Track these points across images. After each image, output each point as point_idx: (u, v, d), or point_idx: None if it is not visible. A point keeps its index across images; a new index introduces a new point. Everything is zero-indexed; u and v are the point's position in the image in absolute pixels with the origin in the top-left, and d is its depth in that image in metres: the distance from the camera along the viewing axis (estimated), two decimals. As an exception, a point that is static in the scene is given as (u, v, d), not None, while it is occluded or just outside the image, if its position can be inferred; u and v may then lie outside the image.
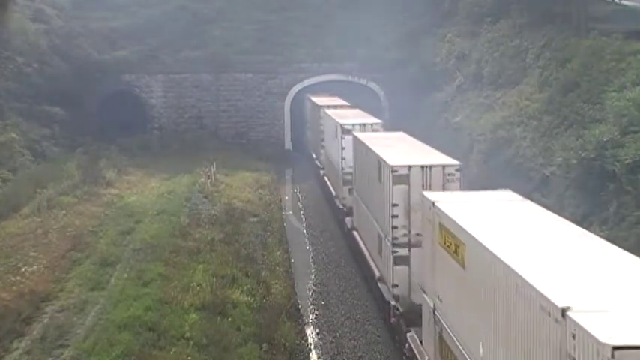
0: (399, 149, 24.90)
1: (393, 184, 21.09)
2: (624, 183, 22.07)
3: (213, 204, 35.23)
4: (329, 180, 40.03)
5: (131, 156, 46.46)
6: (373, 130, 33.20)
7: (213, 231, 30.07)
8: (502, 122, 33.97)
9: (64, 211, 31.41)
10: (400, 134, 29.42)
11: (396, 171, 21.13)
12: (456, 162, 21.37)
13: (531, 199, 16.98)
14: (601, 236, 15.06)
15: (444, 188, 20.45)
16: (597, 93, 27.72)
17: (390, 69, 53.00)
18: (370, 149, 25.24)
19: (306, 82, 55.53)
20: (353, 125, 33.35)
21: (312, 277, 30.29)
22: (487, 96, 38.54)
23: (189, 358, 18.47)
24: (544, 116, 30.68)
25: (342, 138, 33.24)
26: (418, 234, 20.05)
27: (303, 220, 39.58)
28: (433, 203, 16.54)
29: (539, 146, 29.29)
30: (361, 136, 29.14)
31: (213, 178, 40.00)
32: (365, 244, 27.57)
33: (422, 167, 20.98)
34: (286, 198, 45.07)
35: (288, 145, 56.13)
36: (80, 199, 34.13)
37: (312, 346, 23.22)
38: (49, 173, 37.56)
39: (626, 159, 22.32)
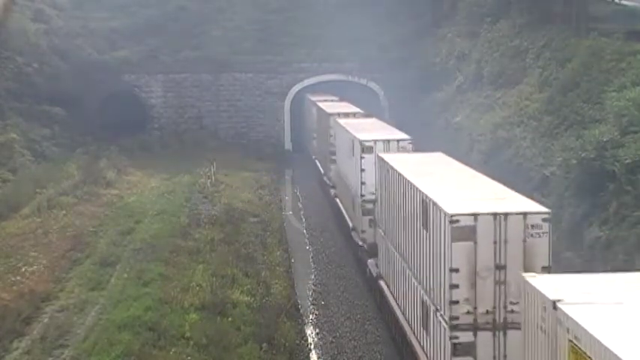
0: (452, 183, 18.69)
1: (453, 240, 15.04)
2: (624, 183, 22.06)
3: (213, 204, 35.22)
4: (343, 205, 33.93)
5: (131, 156, 46.43)
6: (400, 149, 26.91)
7: (213, 231, 30.06)
8: (502, 122, 33.97)
9: (64, 211, 31.40)
10: (439, 156, 23.33)
11: (457, 221, 15.03)
12: (542, 208, 15.77)
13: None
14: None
15: (524, 244, 14.99)
16: (597, 93, 27.73)
17: (390, 69, 52.98)
18: (408, 182, 19.15)
19: (306, 82, 55.53)
20: (375, 141, 27.24)
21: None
22: (487, 96, 38.53)
23: (189, 358, 18.47)
24: (544, 116, 30.68)
25: (361, 157, 27.35)
26: (488, 311, 15.14)
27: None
28: (554, 303, 10.29)
29: (539, 146, 29.28)
30: (389, 158, 23.05)
31: (213, 178, 40.00)
32: (401, 309, 20.94)
33: (494, 215, 15.03)
34: (287, 197, 45.06)
35: (288, 145, 56.12)
36: (80, 199, 34.13)
37: (312, 346, 23.21)
38: (49, 173, 37.57)
39: (626, 159, 22.32)
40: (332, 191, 38.01)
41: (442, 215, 15.67)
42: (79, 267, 25.27)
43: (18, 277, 23.00)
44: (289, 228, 37.22)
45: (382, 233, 23.62)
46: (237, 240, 29.77)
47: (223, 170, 42.82)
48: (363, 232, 27.85)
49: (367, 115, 38.70)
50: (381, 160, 23.46)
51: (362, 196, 27.61)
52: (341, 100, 48.24)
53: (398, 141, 27.55)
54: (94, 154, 44.16)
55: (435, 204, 16.34)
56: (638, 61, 27.62)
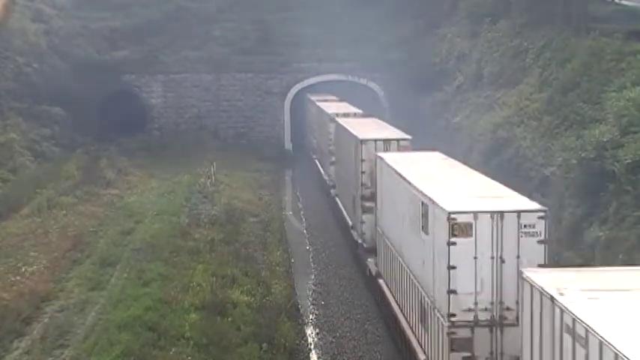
0: None
1: None
2: (624, 183, 22.07)
3: (213, 204, 35.22)
4: (400, 308, 20.83)
5: (131, 156, 46.43)
6: (524, 228, 15.24)
7: (213, 231, 30.06)
8: (502, 122, 33.97)
9: (64, 211, 31.41)
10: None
11: None
12: None
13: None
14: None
15: None
16: (597, 93, 27.75)
17: (390, 69, 52.99)
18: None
19: (306, 82, 55.57)
20: (475, 214, 15.33)
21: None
22: (487, 96, 38.55)
23: (189, 358, 18.46)
24: (544, 116, 30.69)
25: (449, 243, 15.37)
26: None
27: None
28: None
29: (539, 146, 29.29)
30: (555, 290, 10.87)
31: (213, 178, 40.00)
32: None
33: None
34: (286, 197, 45.06)
35: (288, 145, 56.13)
36: (80, 199, 34.14)
37: (312, 346, 23.20)
38: (49, 173, 37.59)
39: (626, 159, 22.33)
40: (370, 263, 24.69)
41: None
42: (79, 267, 25.27)
43: (18, 277, 22.99)
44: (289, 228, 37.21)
45: None
46: (237, 240, 29.77)
47: (223, 170, 42.81)
48: None
49: (423, 147, 26.18)
50: (538, 291, 11.28)
51: (450, 316, 15.65)
52: (365, 115, 38.25)
53: (518, 213, 15.42)
54: (94, 154, 44.19)
55: None
56: (638, 61, 27.65)
